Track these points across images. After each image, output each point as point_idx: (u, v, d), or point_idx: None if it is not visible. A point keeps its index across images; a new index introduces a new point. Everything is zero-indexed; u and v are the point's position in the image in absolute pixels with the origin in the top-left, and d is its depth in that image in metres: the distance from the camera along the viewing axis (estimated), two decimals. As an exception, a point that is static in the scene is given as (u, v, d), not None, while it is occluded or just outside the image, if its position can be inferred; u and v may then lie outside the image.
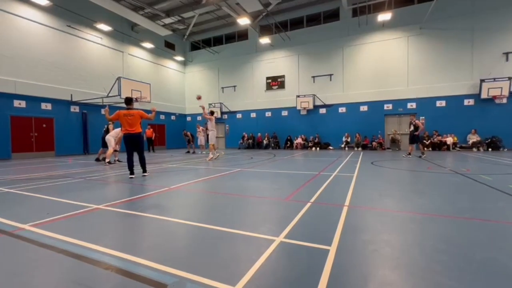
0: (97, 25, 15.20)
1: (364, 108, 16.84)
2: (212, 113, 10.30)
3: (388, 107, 16.24)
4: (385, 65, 16.19)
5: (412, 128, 10.17)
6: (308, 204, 3.38)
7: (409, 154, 10.53)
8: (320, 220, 2.79)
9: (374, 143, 15.86)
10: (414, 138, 10.23)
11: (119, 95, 13.06)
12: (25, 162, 10.25)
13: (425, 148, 10.51)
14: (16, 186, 4.99)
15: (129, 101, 6.10)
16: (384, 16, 14.56)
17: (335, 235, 2.31)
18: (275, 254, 1.96)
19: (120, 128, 10.06)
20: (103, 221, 2.89)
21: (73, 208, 3.32)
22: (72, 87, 14.46)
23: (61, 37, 14.02)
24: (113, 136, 9.17)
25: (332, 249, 2.02)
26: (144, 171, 6.08)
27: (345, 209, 3.14)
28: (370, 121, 16.53)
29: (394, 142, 15.94)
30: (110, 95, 13.59)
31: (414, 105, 15.61)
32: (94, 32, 15.57)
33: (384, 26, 15.96)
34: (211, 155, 10.02)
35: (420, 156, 10.19)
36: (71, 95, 14.24)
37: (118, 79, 13.28)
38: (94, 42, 15.70)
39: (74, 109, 14.59)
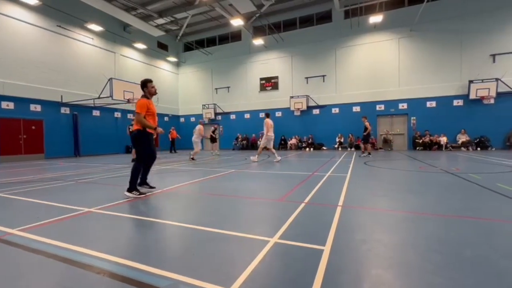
0: (88, 25, 14.97)
1: (356, 108, 17.04)
2: (267, 115, 9.80)
3: (380, 107, 16.47)
4: (377, 66, 16.42)
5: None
6: (302, 205, 3.39)
7: (369, 153, 11.35)
8: (314, 221, 2.80)
9: (367, 143, 16.03)
10: (365, 138, 11.24)
11: (111, 96, 12.89)
12: (13, 165, 10.00)
13: (370, 149, 12.05)
14: (3, 189, 4.86)
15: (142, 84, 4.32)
16: (376, 18, 14.78)
17: (329, 235, 2.32)
18: (270, 255, 1.96)
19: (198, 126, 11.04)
20: (94, 225, 2.84)
21: (64, 212, 3.25)
22: (63, 88, 14.20)
23: (51, 37, 13.76)
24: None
25: (326, 249, 2.03)
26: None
27: (338, 209, 3.16)
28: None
29: (387, 142, 16.18)
30: (101, 96, 13.40)
31: (405, 105, 15.88)
32: (85, 32, 15.34)
33: (376, 28, 16.20)
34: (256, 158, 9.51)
35: (361, 156, 11.21)
36: (61, 96, 13.98)
37: (110, 80, 13.10)
38: (85, 43, 15.47)
39: (65, 110, 14.33)
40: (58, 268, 1.85)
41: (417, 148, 14.91)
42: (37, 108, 13.14)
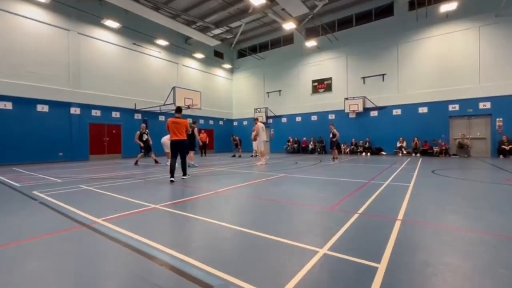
0: (156, 41, 17.00)
1: (423, 109, 15.19)
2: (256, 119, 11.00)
3: (454, 107, 14.34)
4: (450, 61, 14.36)
5: (331, 135, 11.62)
6: (356, 215, 3.20)
7: (335, 158, 11.74)
8: (369, 234, 2.62)
9: (435, 149, 14.15)
10: (333, 144, 11.75)
11: (174, 103, 14.30)
12: (99, 163, 11.95)
13: (338, 156, 12.28)
14: (92, 184, 5.87)
15: (178, 110, 6.53)
16: (448, 6, 12.97)
17: (385, 252, 2.14)
18: (318, 267, 1.91)
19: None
20: (159, 220, 3.21)
21: (135, 207, 3.76)
22: (136, 97, 16.38)
23: (127, 53, 16.06)
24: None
25: (382, 267, 1.88)
26: (184, 174, 6.52)
27: (398, 223, 2.88)
28: (431, 124, 14.82)
29: (462, 148, 13.96)
30: (166, 103, 14.99)
31: (488, 104, 13.47)
32: (154, 47, 17.43)
33: (448, 17, 14.21)
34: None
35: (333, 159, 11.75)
36: (135, 104, 16.14)
37: (173, 88, 14.57)
38: (154, 56, 17.57)
39: (137, 116, 16.48)
40: (130, 256, 2.16)
41: (500, 155, 12.47)
42: (117, 115, 15.45)
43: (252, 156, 14.96)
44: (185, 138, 6.26)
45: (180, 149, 6.22)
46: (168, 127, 6.18)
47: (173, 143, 6.17)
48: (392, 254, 2.11)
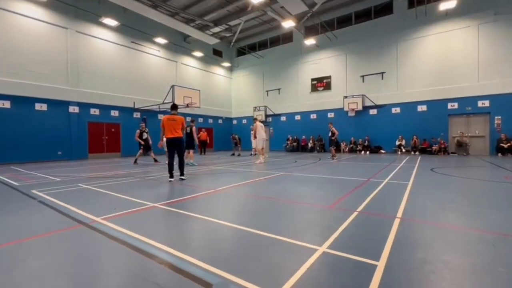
0: (155, 39, 16.92)
1: (422, 107, 15.20)
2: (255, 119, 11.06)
3: (453, 106, 14.36)
4: (449, 59, 14.36)
5: (330, 134, 11.84)
6: (355, 213, 3.20)
7: (334, 157, 11.98)
8: (368, 232, 2.62)
9: (434, 147, 14.17)
10: (332, 142, 11.96)
11: (173, 101, 14.26)
12: (98, 162, 11.93)
13: (335, 155, 12.43)
14: (91, 183, 5.85)
15: (174, 107, 6.21)
16: (448, 4, 12.95)
17: (384, 250, 2.15)
18: (317, 265, 1.92)
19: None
20: (158, 219, 3.21)
21: (134, 205, 3.75)
22: (135, 95, 16.32)
23: (126, 52, 15.98)
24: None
25: (380, 265, 1.88)
26: (182, 174, 6.10)
27: (396, 221, 2.89)
28: (430, 122, 14.84)
29: (461, 146, 14.00)
30: (165, 101, 14.94)
31: (486, 103, 13.50)
32: (153, 45, 17.35)
33: (448, 15, 14.19)
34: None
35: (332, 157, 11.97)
36: (134, 102, 16.09)
37: (172, 87, 14.53)
38: (153, 55, 17.49)
39: (136, 115, 16.43)
40: (129, 255, 2.16)
41: (499, 153, 12.52)
42: (116, 113, 15.40)
43: (251, 154, 14.99)
44: (182, 135, 5.96)
45: (178, 147, 5.96)
46: (163, 125, 5.91)
47: (170, 141, 5.89)
48: (391, 252, 2.11)
